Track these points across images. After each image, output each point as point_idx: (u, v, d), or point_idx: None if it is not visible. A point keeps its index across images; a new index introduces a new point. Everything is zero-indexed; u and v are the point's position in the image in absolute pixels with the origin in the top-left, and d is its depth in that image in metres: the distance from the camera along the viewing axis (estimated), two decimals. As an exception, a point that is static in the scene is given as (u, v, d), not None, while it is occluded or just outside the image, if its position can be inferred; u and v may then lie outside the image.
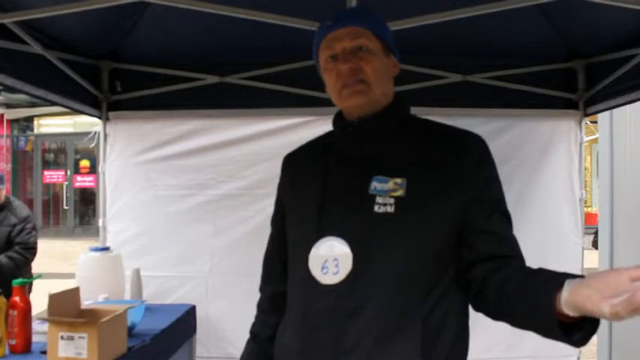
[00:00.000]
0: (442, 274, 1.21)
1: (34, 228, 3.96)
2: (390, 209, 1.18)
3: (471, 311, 1.32)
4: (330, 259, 1.18)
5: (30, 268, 4.02)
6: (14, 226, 3.86)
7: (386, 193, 1.19)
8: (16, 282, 2.16)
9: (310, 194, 1.29)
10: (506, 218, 1.25)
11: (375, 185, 1.20)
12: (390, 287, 1.16)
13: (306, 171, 1.35)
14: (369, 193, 1.20)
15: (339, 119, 1.34)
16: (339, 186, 1.25)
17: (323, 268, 1.18)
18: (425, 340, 1.16)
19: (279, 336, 1.34)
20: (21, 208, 4.02)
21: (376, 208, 1.18)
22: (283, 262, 1.38)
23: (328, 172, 1.28)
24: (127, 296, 2.86)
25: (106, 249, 2.96)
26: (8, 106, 14.75)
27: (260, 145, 3.18)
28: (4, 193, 3.96)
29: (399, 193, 1.18)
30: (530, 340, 3.11)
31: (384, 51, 1.29)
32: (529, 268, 1.16)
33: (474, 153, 1.23)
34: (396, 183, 1.19)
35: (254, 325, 1.48)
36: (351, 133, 1.29)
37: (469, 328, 1.29)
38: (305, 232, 1.26)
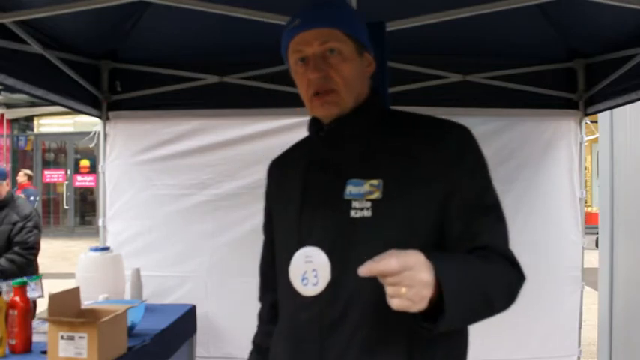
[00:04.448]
0: None
1: (35, 226, 3.87)
2: (368, 213, 1.13)
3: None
4: (309, 269, 1.12)
5: (37, 268, 3.96)
6: (15, 224, 3.80)
7: (362, 196, 1.14)
8: (15, 282, 2.17)
9: (291, 201, 1.25)
10: (485, 210, 1.16)
11: (351, 189, 1.15)
12: (370, 297, 1.09)
13: (289, 177, 1.31)
14: (344, 198, 1.15)
15: (313, 123, 1.29)
16: (316, 192, 1.21)
17: (303, 279, 1.12)
18: (413, 351, 1.11)
19: (273, 346, 1.32)
20: (24, 205, 3.95)
21: (353, 214, 1.14)
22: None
23: (307, 177, 1.24)
24: (127, 296, 2.86)
25: (106, 249, 2.96)
26: (8, 105, 14.74)
27: (260, 145, 3.18)
28: (5, 189, 3.90)
29: (376, 195, 1.13)
30: (531, 341, 3.12)
31: (357, 51, 1.20)
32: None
33: (452, 144, 1.16)
34: (372, 185, 1.14)
35: (256, 336, 1.45)
36: (323, 137, 1.25)
37: (467, 332, 1.23)
38: (287, 242, 1.23)
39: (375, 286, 1.04)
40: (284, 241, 1.27)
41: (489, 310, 1.09)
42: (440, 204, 1.14)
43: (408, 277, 0.94)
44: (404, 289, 0.94)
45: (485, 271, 1.08)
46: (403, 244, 1.03)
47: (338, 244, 1.14)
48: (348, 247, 1.13)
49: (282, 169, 1.38)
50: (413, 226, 1.13)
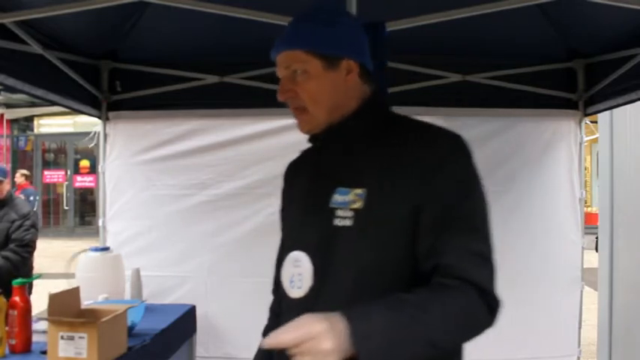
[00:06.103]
0: (405, 287, 1.09)
1: (32, 225, 3.89)
2: (349, 222, 1.13)
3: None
4: (296, 273, 1.19)
5: (31, 267, 3.98)
6: (13, 222, 3.82)
7: (346, 205, 1.15)
8: (16, 282, 2.17)
9: (293, 205, 1.32)
10: (456, 225, 1.09)
11: (337, 198, 1.17)
12: (346, 303, 1.07)
13: (297, 182, 1.36)
14: (330, 206, 1.17)
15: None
16: (311, 199, 1.24)
17: (291, 281, 1.19)
18: None
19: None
20: (22, 205, 3.98)
21: (336, 222, 1.15)
22: None
23: (309, 184, 1.29)
24: (127, 296, 2.86)
25: (106, 249, 2.96)
26: (8, 106, 14.75)
27: (259, 145, 3.19)
28: (6, 187, 3.91)
29: (358, 205, 1.13)
30: (530, 341, 3.12)
31: (326, 65, 1.19)
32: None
33: (435, 153, 1.12)
34: (356, 194, 1.15)
35: (266, 328, 1.47)
36: (318, 146, 1.29)
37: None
38: (286, 244, 1.29)
39: (347, 295, 1.11)
40: (284, 243, 1.33)
41: (436, 351, 1.04)
42: (414, 217, 1.10)
43: (309, 348, 0.97)
44: (307, 359, 0.98)
45: (431, 309, 1.04)
46: (374, 258, 1.10)
47: (321, 251, 1.17)
48: (329, 254, 1.16)
49: (294, 174, 1.41)
50: (386, 239, 1.11)
